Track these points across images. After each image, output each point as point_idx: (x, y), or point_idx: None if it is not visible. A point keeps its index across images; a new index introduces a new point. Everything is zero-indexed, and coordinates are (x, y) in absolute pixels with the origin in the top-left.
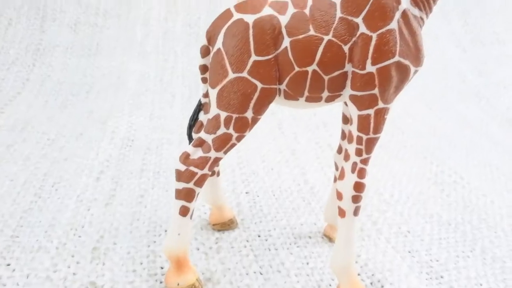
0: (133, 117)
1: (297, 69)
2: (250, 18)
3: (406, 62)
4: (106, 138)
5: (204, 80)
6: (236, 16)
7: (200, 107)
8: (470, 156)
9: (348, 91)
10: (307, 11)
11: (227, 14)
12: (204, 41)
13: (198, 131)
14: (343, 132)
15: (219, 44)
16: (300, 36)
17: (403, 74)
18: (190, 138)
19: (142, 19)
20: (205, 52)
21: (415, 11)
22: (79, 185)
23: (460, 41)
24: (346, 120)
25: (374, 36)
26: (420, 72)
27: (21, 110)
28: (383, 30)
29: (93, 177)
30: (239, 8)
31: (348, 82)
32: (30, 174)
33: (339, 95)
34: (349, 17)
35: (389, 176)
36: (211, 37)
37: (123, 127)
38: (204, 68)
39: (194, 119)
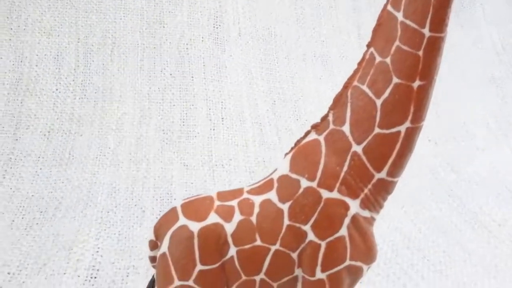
0: (100, 240)
1: (244, 277)
2: (195, 227)
3: (358, 263)
4: (69, 269)
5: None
6: (182, 221)
7: (153, 283)
8: (444, 273)
9: None
10: (253, 218)
11: (173, 216)
12: (151, 236)
13: None
14: None
15: (164, 247)
16: (247, 246)
17: (356, 274)
18: None
19: (115, 125)
20: (153, 246)
21: (365, 213)
22: None
23: (432, 135)
24: None
25: (323, 244)
26: None
27: None
28: (332, 238)
29: None
30: (185, 210)
31: (299, 284)
32: None
33: None
34: (297, 225)
35: None
36: (158, 235)
37: (89, 253)
38: (153, 259)
39: None
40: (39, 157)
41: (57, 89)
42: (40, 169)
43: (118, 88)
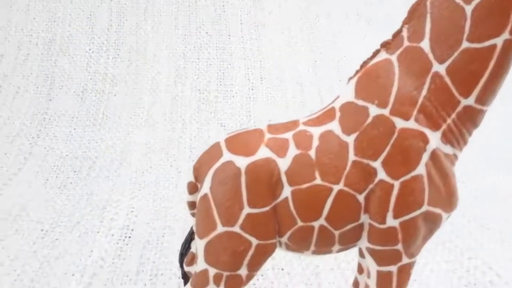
0: (135, 200)
1: (300, 223)
2: (242, 162)
3: (437, 210)
4: (103, 228)
5: (194, 215)
6: (226, 157)
7: (192, 235)
8: (506, 243)
9: (364, 242)
10: (312, 153)
11: (216, 151)
12: (191, 177)
13: (189, 264)
14: (359, 266)
15: (206, 188)
16: (304, 186)
17: (434, 223)
18: (182, 266)
19: (150, 85)
20: (192, 189)
21: (447, 148)
22: None
23: None
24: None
25: (396, 184)
26: None
27: (19, 192)
28: (407, 177)
29: (84, 282)
30: (230, 145)
31: (365, 234)
32: (16, 279)
33: (354, 246)
34: (365, 161)
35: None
36: (198, 175)
37: (123, 213)
38: (192, 205)
39: (185, 247)
40: (73, 117)
41: (90, 49)
42: (74, 129)
43: (152, 47)
